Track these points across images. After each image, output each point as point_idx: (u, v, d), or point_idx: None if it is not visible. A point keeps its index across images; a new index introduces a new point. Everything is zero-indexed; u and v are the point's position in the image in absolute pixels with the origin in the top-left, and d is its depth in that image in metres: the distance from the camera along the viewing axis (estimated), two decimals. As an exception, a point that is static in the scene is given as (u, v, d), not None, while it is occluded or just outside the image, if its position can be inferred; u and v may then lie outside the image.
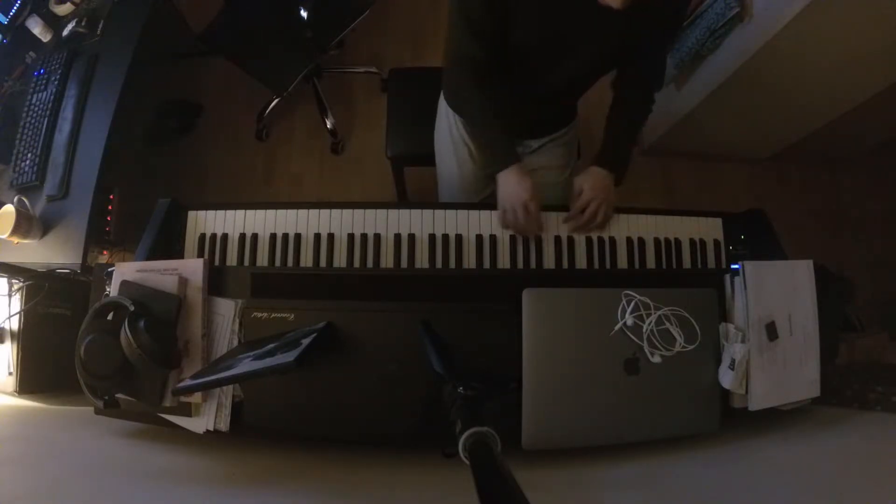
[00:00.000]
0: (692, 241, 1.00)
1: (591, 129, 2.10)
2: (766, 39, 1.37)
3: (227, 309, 0.79)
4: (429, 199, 1.28)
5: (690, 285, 0.83)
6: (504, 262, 0.96)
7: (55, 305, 1.08)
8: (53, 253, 1.21)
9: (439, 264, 0.96)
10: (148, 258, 0.90)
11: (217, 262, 0.95)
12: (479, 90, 1.01)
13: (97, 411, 0.78)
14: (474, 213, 0.99)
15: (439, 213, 0.98)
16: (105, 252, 1.34)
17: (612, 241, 0.98)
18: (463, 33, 0.93)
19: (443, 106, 1.24)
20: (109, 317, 0.75)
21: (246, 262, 0.95)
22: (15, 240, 1.21)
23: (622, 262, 0.98)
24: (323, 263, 0.95)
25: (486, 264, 0.96)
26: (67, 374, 0.74)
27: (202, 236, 0.97)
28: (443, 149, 1.25)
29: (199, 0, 1.95)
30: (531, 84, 1.04)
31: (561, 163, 1.24)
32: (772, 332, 0.81)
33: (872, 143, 2.06)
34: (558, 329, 0.76)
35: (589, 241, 0.98)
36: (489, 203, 1.01)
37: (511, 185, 0.97)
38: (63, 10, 1.51)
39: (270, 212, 0.98)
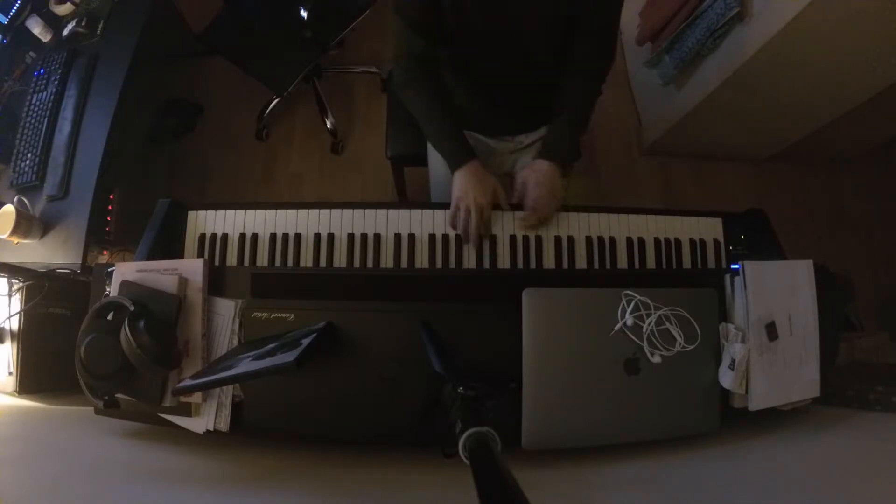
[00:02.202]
0: (692, 241, 1.00)
1: (592, 129, 2.11)
2: (766, 39, 1.37)
3: (227, 309, 0.79)
4: (429, 200, 1.28)
5: (690, 285, 0.83)
6: (504, 262, 0.96)
7: (55, 305, 1.08)
8: (53, 253, 1.21)
9: (439, 264, 0.96)
10: (148, 258, 0.90)
11: (217, 262, 0.94)
12: (425, 87, 1.00)
13: (97, 411, 0.78)
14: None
15: (439, 213, 0.98)
16: (105, 252, 1.34)
17: (612, 241, 0.98)
18: (403, 30, 0.94)
19: None
20: (109, 317, 0.75)
21: (246, 262, 0.95)
22: (15, 240, 1.21)
23: (622, 262, 0.98)
24: (323, 263, 0.95)
25: (486, 264, 0.96)
26: (67, 374, 0.74)
27: (202, 236, 0.97)
28: (432, 149, 1.26)
29: (199, 0, 1.95)
30: (498, 73, 1.03)
31: None
32: (772, 332, 0.81)
33: (872, 143, 2.06)
34: (558, 329, 0.76)
35: (589, 240, 0.98)
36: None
37: (466, 184, 0.95)
38: (63, 10, 1.52)
39: (270, 212, 0.98)
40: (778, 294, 0.82)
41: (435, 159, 1.26)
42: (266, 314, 0.79)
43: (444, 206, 0.99)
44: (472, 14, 0.89)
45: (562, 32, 0.95)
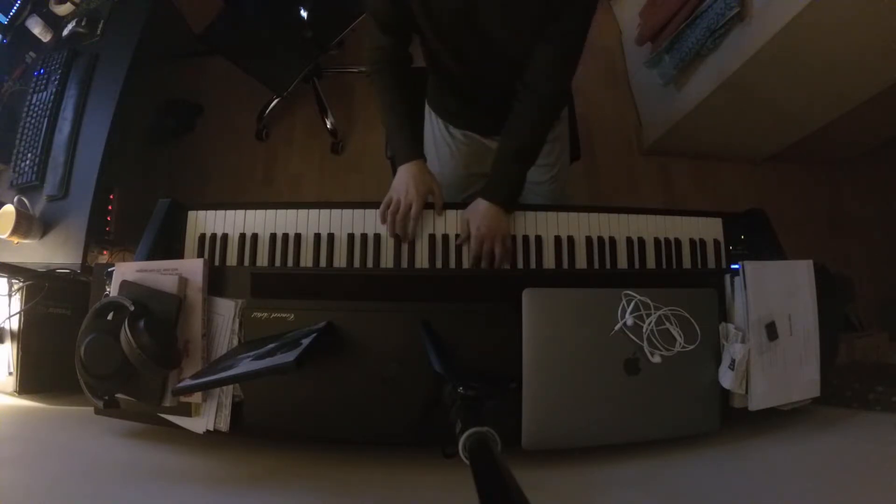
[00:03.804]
0: (692, 241, 1.00)
1: (591, 129, 2.11)
2: (766, 39, 1.37)
3: (227, 309, 0.79)
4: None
5: (690, 285, 0.83)
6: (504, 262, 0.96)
7: (55, 305, 1.08)
8: (53, 253, 1.21)
9: (439, 264, 0.96)
10: (148, 258, 0.90)
11: (217, 262, 0.94)
12: (387, 82, 1.00)
13: (97, 411, 0.78)
14: (474, 213, 0.98)
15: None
16: (105, 252, 1.34)
17: (612, 241, 0.98)
18: (373, 27, 0.97)
19: (427, 106, 1.26)
20: (109, 317, 0.75)
21: (246, 262, 0.95)
22: (15, 240, 1.21)
23: (622, 262, 0.98)
24: (323, 263, 0.95)
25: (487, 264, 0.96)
26: (67, 374, 0.74)
27: (202, 236, 0.97)
28: (428, 147, 1.26)
29: (199, 0, 1.95)
30: (477, 74, 1.02)
31: (546, 160, 1.20)
32: (772, 332, 0.81)
33: (872, 144, 2.06)
34: (558, 329, 0.76)
35: (589, 241, 0.98)
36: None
37: (406, 179, 0.97)
38: (63, 10, 1.52)
39: (270, 212, 0.98)
40: (778, 294, 0.82)
41: (433, 160, 1.26)
42: (266, 314, 0.79)
43: (445, 205, 0.99)
44: (441, 16, 0.89)
45: (531, 33, 0.90)
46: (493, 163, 1.00)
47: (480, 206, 0.96)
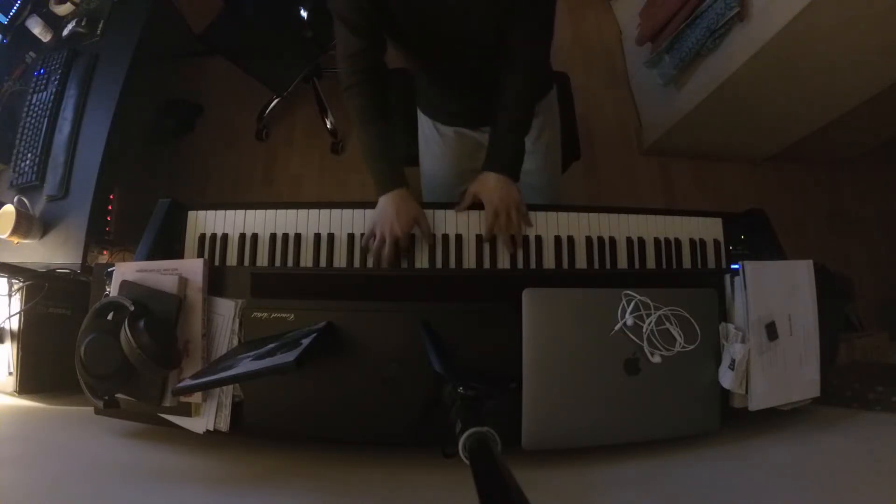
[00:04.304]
0: (692, 241, 1.00)
1: (591, 129, 2.11)
2: (766, 39, 1.37)
3: (227, 309, 0.79)
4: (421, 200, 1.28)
5: (690, 285, 0.83)
6: (504, 262, 0.96)
7: (55, 305, 1.08)
8: (53, 253, 1.21)
9: (439, 264, 0.96)
10: (148, 258, 0.90)
11: (217, 262, 0.94)
12: (365, 94, 0.94)
13: (97, 411, 0.78)
14: (474, 213, 0.99)
15: (439, 212, 0.98)
16: (105, 252, 1.34)
17: (612, 241, 0.98)
18: (342, 31, 0.92)
19: (417, 108, 1.26)
20: (109, 317, 0.75)
21: (246, 262, 0.95)
22: (15, 240, 1.21)
23: (622, 262, 0.98)
24: (323, 263, 0.95)
25: (486, 264, 0.96)
26: (67, 374, 0.74)
27: (202, 236, 0.97)
28: (422, 146, 1.27)
29: (199, 0, 1.95)
30: (455, 66, 1.02)
31: (538, 163, 1.19)
32: (772, 332, 0.81)
33: (872, 144, 2.06)
34: (558, 329, 0.76)
35: (589, 241, 0.98)
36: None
37: (389, 211, 0.91)
38: (63, 10, 1.52)
39: (270, 212, 0.98)
40: (778, 294, 0.82)
41: (423, 157, 1.27)
42: (266, 314, 0.79)
43: (441, 205, 0.99)
44: (423, 9, 0.88)
45: (496, 18, 0.90)
46: (490, 138, 1.00)
47: (489, 178, 0.95)
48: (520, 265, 0.96)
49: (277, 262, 0.95)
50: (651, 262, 0.98)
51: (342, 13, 0.90)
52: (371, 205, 0.98)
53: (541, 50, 0.98)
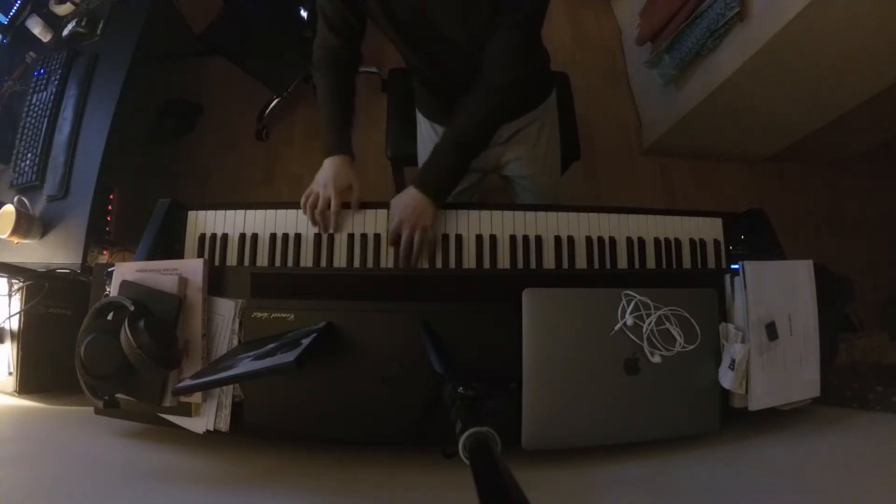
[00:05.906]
0: (692, 241, 1.00)
1: (591, 129, 2.11)
2: (766, 39, 1.37)
3: (227, 309, 0.79)
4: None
5: (690, 285, 0.83)
6: (504, 262, 0.96)
7: (55, 305, 1.08)
8: (53, 253, 1.21)
9: (439, 264, 0.96)
10: (148, 258, 0.90)
11: (217, 262, 0.94)
12: (327, 76, 1.02)
13: (97, 411, 0.78)
14: (474, 213, 0.99)
15: (439, 213, 0.98)
16: (105, 252, 1.34)
17: (612, 241, 0.98)
18: (322, 26, 0.99)
19: (416, 109, 1.27)
20: (109, 317, 0.75)
21: (246, 262, 0.95)
22: (15, 240, 1.21)
23: (622, 262, 0.98)
24: (323, 263, 0.95)
25: (486, 264, 0.96)
26: (67, 374, 0.74)
27: (202, 236, 0.97)
28: (420, 146, 1.28)
29: (199, 0, 1.95)
30: (444, 71, 1.02)
31: (525, 152, 1.19)
32: (772, 332, 0.81)
33: (872, 143, 2.06)
34: (558, 329, 0.76)
35: (589, 241, 0.98)
36: (488, 203, 1.01)
37: (328, 172, 0.97)
38: (63, 10, 1.52)
39: (270, 212, 0.98)
40: (778, 294, 0.82)
41: (421, 156, 1.27)
42: (266, 314, 0.79)
43: (444, 206, 0.99)
44: (401, 16, 0.90)
45: (484, 27, 0.87)
46: (433, 150, 0.96)
47: (409, 192, 0.93)
48: (520, 265, 0.96)
49: (277, 262, 0.95)
50: (651, 262, 0.98)
51: (325, 13, 0.97)
52: (371, 205, 0.98)
53: (515, 74, 0.91)
